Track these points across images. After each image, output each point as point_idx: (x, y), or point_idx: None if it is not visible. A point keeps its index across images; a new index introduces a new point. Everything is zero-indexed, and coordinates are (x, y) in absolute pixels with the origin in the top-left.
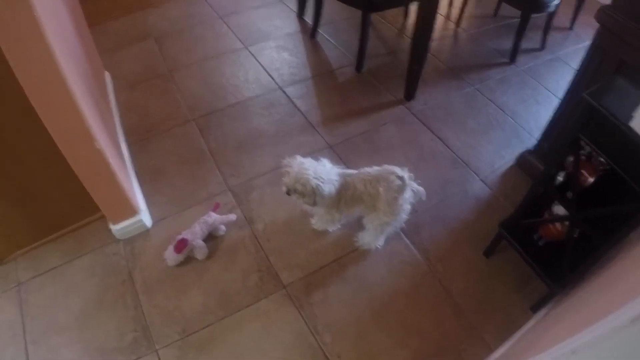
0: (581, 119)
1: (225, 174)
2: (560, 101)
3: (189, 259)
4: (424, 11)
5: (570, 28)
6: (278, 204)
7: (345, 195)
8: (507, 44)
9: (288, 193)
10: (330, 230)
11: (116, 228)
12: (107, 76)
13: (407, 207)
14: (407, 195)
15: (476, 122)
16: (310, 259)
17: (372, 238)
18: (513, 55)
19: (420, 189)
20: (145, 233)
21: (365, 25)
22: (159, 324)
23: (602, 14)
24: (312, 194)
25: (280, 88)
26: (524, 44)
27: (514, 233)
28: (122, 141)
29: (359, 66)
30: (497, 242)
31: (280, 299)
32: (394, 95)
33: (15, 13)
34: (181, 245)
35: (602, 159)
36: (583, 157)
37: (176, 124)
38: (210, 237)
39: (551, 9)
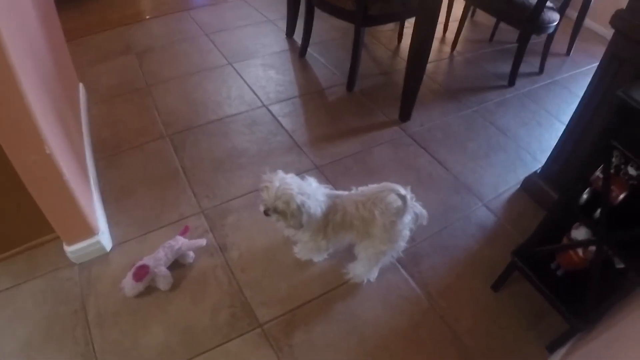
0: (613, 122)
1: (198, 194)
2: (570, 119)
3: (150, 289)
4: (422, 25)
5: (567, 54)
6: (256, 230)
7: (333, 220)
8: (505, 67)
9: (267, 213)
10: (316, 260)
11: (70, 250)
12: (81, 88)
13: (407, 234)
14: (407, 219)
15: (476, 144)
16: (292, 294)
17: (364, 269)
18: (512, 78)
19: (423, 211)
20: (103, 257)
21: (358, 40)
22: None
23: (618, 20)
24: (296, 214)
25: (265, 106)
26: (522, 68)
27: (529, 262)
28: (88, 155)
29: (350, 85)
30: (508, 273)
31: (255, 339)
32: (388, 116)
33: None
34: (141, 272)
35: (632, 172)
36: (612, 170)
37: (149, 140)
38: (177, 265)
39: (550, 30)
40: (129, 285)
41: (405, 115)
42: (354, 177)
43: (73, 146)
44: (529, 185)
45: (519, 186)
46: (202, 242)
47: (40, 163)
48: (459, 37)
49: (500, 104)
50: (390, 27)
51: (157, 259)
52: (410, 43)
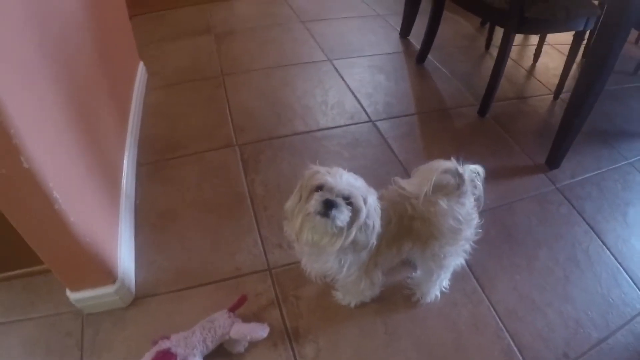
0: None
1: (268, 241)
2: None
3: None
4: (605, 35)
5: None
6: (346, 311)
7: (387, 233)
8: None
9: (330, 203)
10: (368, 299)
11: (74, 297)
12: (141, 68)
13: (476, 216)
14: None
15: (637, 212)
16: None
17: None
18: None
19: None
20: (119, 313)
21: (505, 50)
22: None
23: None
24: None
25: (372, 121)
26: None
27: None
28: (128, 160)
29: (483, 108)
30: None
31: None
32: (531, 157)
33: None
34: None
35: None
36: None
37: (213, 147)
38: (221, 352)
39: None
40: None
41: (555, 160)
42: (492, 247)
43: (94, 152)
44: None
45: None
46: (263, 331)
47: (13, 180)
48: None
49: None
50: (518, 40)
51: (191, 344)
52: (585, 61)
